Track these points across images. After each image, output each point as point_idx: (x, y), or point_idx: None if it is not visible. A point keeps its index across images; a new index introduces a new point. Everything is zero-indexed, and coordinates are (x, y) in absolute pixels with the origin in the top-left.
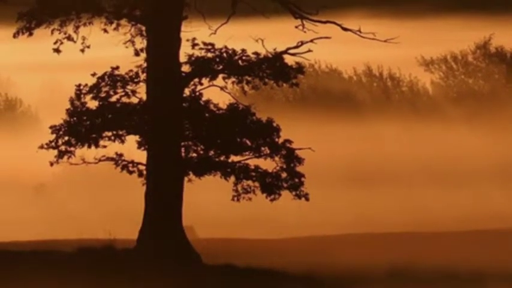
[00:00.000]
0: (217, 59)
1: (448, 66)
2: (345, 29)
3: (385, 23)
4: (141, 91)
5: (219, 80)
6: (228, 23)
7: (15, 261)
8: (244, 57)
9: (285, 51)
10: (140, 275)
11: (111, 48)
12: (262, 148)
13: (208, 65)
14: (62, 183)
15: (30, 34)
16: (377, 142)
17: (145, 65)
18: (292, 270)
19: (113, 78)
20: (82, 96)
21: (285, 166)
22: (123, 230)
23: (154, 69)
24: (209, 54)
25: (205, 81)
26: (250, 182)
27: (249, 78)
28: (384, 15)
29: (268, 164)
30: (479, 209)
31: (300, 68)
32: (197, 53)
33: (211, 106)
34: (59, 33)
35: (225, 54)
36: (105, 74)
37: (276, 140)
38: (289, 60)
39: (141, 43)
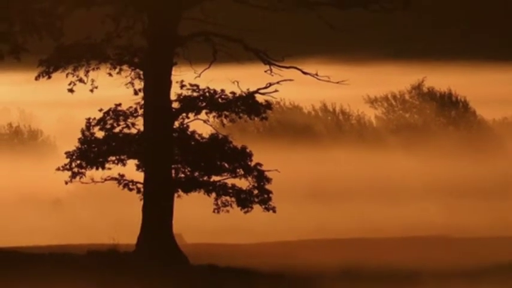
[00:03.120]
0: (201, 98)
1: (388, 103)
2: (305, 73)
3: (337, 68)
4: (139, 123)
5: (203, 115)
6: (210, 68)
7: (36, 261)
8: (223, 96)
9: (256, 91)
10: (139, 274)
11: (115, 89)
12: (238, 170)
13: (193, 103)
14: (74, 198)
15: (49, 77)
16: (332, 165)
17: (142, 102)
18: (263, 269)
19: (116, 113)
20: (91, 127)
21: (256, 184)
22: (124, 237)
23: (150, 106)
24: (194, 94)
25: (191, 115)
26: (228, 198)
27: (227, 113)
28: (337, 62)
29: (243, 183)
30: (414, 219)
31: (268, 105)
32: (185, 92)
33: (196, 136)
34: (72, 76)
35: (207, 94)
36: (110, 109)
37: (249, 163)
38: (259, 98)
39: (139, 84)
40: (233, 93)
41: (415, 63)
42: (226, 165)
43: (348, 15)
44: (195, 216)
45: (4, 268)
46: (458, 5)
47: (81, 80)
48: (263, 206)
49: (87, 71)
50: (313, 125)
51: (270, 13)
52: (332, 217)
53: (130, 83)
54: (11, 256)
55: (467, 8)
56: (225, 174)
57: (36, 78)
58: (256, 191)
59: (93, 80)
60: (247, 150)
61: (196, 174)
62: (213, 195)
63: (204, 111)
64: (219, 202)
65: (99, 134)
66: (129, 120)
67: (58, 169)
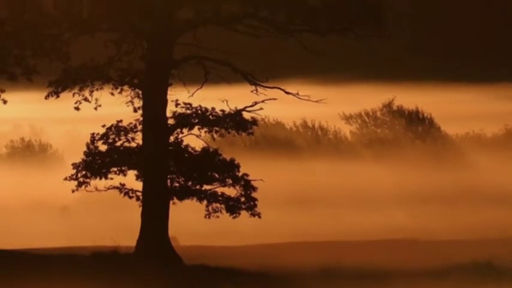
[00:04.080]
0: (194, 115)
1: (362, 120)
2: (287, 93)
3: (316, 88)
4: (138, 138)
5: (195, 130)
6: (201, 88)
7: (46, 261)
8: (213, 114)
9: (243, 109)
10: (138, 273)
11: (117, 107)
12: (227, 179)
13: (187, 119)
14: (80, 205)
15: (58, 96)
16: (311, 175)
17: (141, 119)
18: (250, 269)
19: (117, 129)
20: (95, 141)
21: (243, 193)
22: (125, 239)
23: (148, 122)
24: (188, 111)
25: (185, 131)
26: (218, 205)
27: (217, 129)
28: (316, 83)
29: (231, 191)
30: (384, 223)
31: (254, 121)
32: (179, 110)
33: (190, 149)
34: (78, 95)
35: (199, 111)
36: (112, 125)
37: (237, 173)
38: (246, 115)
39: (138, 103)
40: (222, 110)
41: (385, 84)
42: (216, 175)
43: (326, 41)
44: (189, 221)
45: (17, 268)
46: (424, 31)
47: (86, 99)
48: (249, 212)
49: (92, 91)
50: (294, 140)
51: (256, 39)
52: (311, 222)
53: (130, 101)
54: (23, 257)
55: (432, 34)
56: (215, 183)
57: (46, 97)
58: (243, 199)
59: (97, 99)
60: (235, 162)
61: (190, 183)
62: (205, 202)
63: (196, 127)
64: (210, 208)
65: (103, 148)
66: (129, 135)
67: (65, 179)
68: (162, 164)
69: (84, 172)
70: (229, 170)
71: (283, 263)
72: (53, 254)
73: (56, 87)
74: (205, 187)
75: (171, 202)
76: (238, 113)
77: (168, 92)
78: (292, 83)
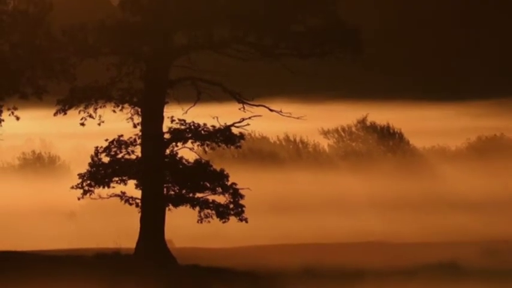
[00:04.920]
0: (188, 130)
1: (339, 134)
2: (271, 110)
3: (297, 106)
4: (138, 151)
5: (189, 144)
6: (194, 106)
7: (54, 261)
8: (205, 129)
9: (232, 125)
10: (137, 271)
11: (118, 123)
12: (217, 188)
13: (181, 134)
14: (85, 211)
15: (65, 113)
16: (293, 184)
17: (140, 133)
18: (238, 268)
19: (119, 142)
20: (99, 154)
21: (231, 200)
22: (126, 242)
23: (146, 137)
24: (182, 127)
25: (179, 144)
26: (209, 211)
27: (208, 143)
28: (297, 101)
29: (221, 199)
30: (358, 227)
31: (241, 136)
32: (174, 126)
33: (184, 161)
34: (84, 113)
35: (192, 127)
36: (114, 139)
37: (226, 183)
38: (234, 130)
39: (137, 119)
40: (213, 126)
41: (359, 102)
42: (207, 184)
43: (307, 64)
44: (183, 225)
45: (28, 267)
46: (395, 56)
47: (90, 116)
48: (237, 217)
49: (96, 109)
50: (277, 152)
51: (244, 62)
52: (293, 226)
53: (130, 118)
54: (34, 258)
55: (402, 58)
56: (207, 191)
57: (55, 114)
58: (232, 205)
59: (100, 116)
60: (225, 172)
61: (184, 191)
62: (197, 208)
63: (190, 141)
64: (202, 214)
65: (105, 159)
66: (129, 148)
67: (72, 187)
68: (159, 174)
69: (88, 181)
70: (219, 180)
71: (268, 263)
72: (60, 255)
73: (64, 105)
74: (198, 195)
75: (167, 208)
76: (227, 128)
77: (164, 110)
78: (276, 101)
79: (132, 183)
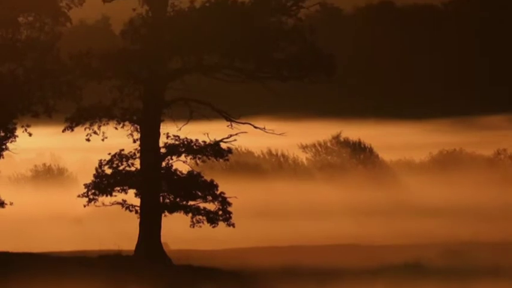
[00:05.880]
0: (181, 145)
1: (316, 149)
2: (256, 127)
3: (279, 124)
4: (137, 163)
5: (182, 157)
6: (187, 123)
7: (61, 262)
8: (197, 144)
9: (221, 140)
10: (137, 271)
11: (119, 138)
12: (208, 197)
13: (176, 149)
14: (90, 217)
15: (72, 130)
16: (275, 193)
17: (139, 148)
18: (226, 268)
19: (120, 156)
20: (102, 166)
21: (220, 207)
22: (126, 244)
23: (145, 151)
24: (176, 142)
25: (174, 158)
26: (200, 217)
27: (200, 156)
28: (279, 119)
29: (211, 206)
30: (333, 231)
31: (229, 150)
32: (169, 141)
33: (178, 172)
34: (89, 129)
35: (186, 142)
36: (116, 153)
37: (215, 192)
38: (223, 145)
39: (137, 135)
40: (204, 141)
41: (334, 120)
42: (199, 193)
43: (287, 86)
44: (177, 230)
45: (38, 267)
46: (365, 79)
47: (95, 132)
48: (226, 223)
49: (100, 126)
50: (261, 165)
51: (231, 84)
52: (275, 230)
53: (130, 134)
54: (44, 258)
55: (371, 81)
56: (199, 199)
57: (63, 131)
58: (220, 212)
59: (103, 132)
60: (214, 183)
61: (178, 199)
62: (190, 214)
63: (183, 155)
64: (194, 220)
65: (108, 171)
66: (129, 161)
67: (79, 196)
68: (155, 184)
69: (93, 190)
70: (209, 189)
71: (252, 264)
72: (67, 256)
73: (71, 123)
74: (191, 202)
75: (163, 214)
76: (216, 143)
77: (161, 127)
78: (260, 119)
79: (132, 192)
